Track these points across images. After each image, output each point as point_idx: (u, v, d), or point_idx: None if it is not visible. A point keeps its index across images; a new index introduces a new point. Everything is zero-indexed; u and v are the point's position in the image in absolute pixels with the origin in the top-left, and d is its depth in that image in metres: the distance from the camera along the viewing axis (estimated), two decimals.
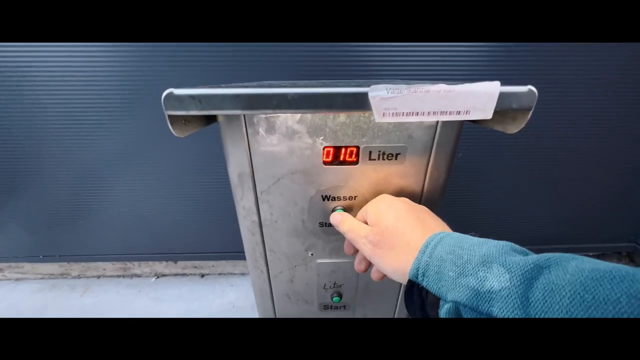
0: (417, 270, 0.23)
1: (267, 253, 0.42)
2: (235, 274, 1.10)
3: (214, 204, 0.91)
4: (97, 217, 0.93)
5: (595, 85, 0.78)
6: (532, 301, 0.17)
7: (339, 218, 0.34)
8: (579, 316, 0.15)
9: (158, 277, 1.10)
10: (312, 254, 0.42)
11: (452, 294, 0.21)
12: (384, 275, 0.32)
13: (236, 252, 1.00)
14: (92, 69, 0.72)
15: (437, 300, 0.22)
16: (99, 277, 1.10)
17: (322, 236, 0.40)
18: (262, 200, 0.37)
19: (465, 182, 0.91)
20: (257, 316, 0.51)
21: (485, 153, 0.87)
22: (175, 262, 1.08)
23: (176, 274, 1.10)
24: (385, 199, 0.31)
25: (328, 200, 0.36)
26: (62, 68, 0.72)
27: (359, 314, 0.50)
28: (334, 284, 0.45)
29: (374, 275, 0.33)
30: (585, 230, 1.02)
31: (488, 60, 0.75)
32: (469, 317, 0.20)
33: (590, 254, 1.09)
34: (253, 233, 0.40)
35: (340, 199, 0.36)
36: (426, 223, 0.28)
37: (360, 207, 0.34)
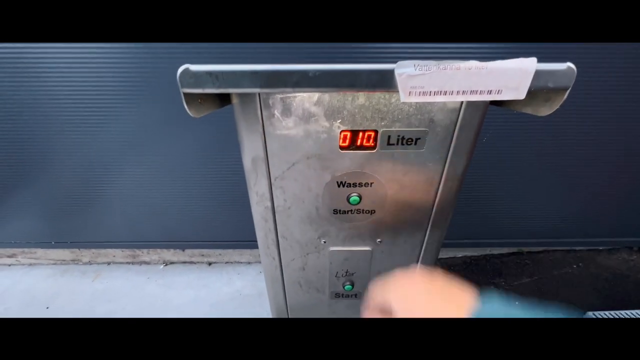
0: None
1: (280, 240, 0.41)
2: (241, 262, 1.11)
3: (221, 193, 0.91)
4: (107, 205, 0.94)
5: (605, 82, 0.75)
6: None
7: None
8: None
9: (166, 264, 1.11)
10: (325, 242, 0.41)
11: None
12: None
13: (243, 241, 1.00)
14: (101, 60, 0.72)
15: None
16: (109, 263, 1.12)
17: (335, 223, 0.39)
18: (275, 186, 0.36)
19: (476, 172, 0.89)
20: (265, 303, 0.51)
21: (494, 144, 0.85)
22: (183, 250, 1.09)
23: (184, 262, 1.12)
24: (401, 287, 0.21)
25: (343, 186, 0.36)
26: (72, 59, 0.72)
27: None
28: (346, 272, 0.45)
29: None
30: (595, 224, 1.00)
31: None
32: None
33: (601, 248, 1.07)
34: (266, 219, 0.39)
35: (356, 186, 0.35)
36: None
37: (377, 195, 0.33)
